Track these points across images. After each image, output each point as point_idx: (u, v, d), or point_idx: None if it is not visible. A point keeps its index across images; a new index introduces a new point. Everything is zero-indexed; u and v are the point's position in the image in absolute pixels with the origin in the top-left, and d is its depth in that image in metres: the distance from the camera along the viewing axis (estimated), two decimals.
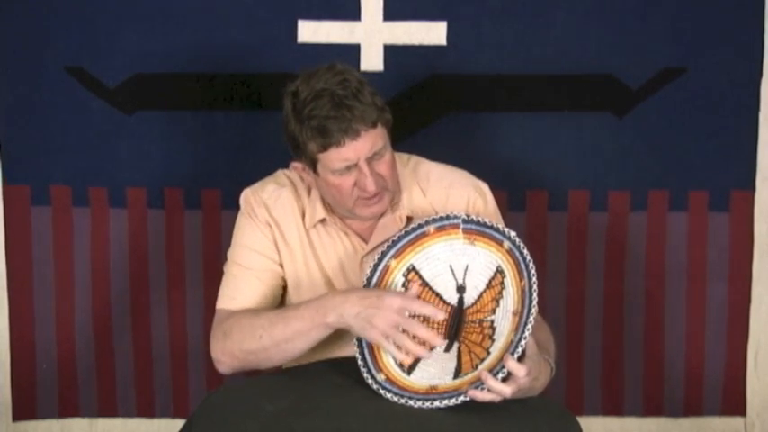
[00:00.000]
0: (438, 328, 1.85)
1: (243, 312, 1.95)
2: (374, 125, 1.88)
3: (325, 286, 2.02)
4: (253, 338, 1.90)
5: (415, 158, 2.09)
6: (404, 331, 1.79)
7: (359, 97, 1.86)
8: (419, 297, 1.86)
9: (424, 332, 1.79)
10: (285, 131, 1.93)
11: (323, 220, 2.01)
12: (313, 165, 1.92)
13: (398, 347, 1.80)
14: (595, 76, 2.50)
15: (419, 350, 1.79)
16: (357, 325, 1.81)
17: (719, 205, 2.54)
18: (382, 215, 2.00)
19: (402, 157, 2.06)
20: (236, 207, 2.07)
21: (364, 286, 1.88)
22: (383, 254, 1.89)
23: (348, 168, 1.89)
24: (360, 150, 1.87)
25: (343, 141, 1.86)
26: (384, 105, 1.91)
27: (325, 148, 1.87)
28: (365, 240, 2.02)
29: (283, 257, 2.03)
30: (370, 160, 1.89)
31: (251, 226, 2.03)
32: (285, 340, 1.87)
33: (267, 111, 2.49)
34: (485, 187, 2.08)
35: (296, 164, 1.98)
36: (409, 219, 2.00)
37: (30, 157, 2.52)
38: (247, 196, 2.05)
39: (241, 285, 2.00)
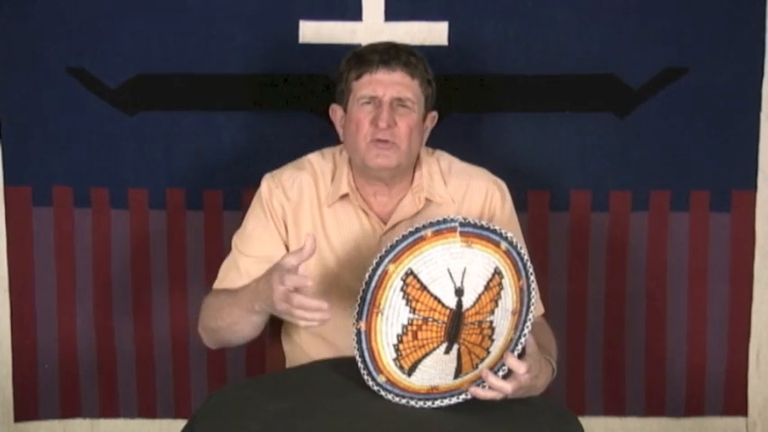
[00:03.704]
0: (437, 331, 1.86)
1: (216, 292, 2.04)
2: (412, 76, 1.97)
3: (335, 264, 2.04)
4: (212, 318, 2.01)
5: (439, 152, 2.15)
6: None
7: (413, 51, 1.98)
8: (418, 301, 1.88)
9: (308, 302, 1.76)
10: (336, 78, 2.04)
11: (345, 196, 2.04)
12: (346, 102, 2.00)
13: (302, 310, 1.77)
14: (597, 76, 2.50)
15: (315, 315, 1.76)
16: (277, 309, 1.80)
17: (721, 205, 2.54)
18: (402, 198, 2.05)
19: (427, 149, 2.13)
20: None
21: (363, 290, 1.88)
22: (381, 258, 1.89)
23: (372, 100, 1.97)
24: (388, 84, 1.96)
25: (376, 68, 1.96)
26: (432, 80, 2.02)
27: (359, 76, 1.98)
28: (384, 221, 2.05)
29: (290, 238, 2.06)
30: (393, 104, 1.97)
31: (260, 213, 2.06)
32: (233, 323, 1.96)
33: (269, 111, 2.50)
34: (503, 185, 2.14)
35: (334, 106, 2.06)
36: (428, 201, 2.06)
37: (31, 157, 2.52)
38: (266, 179, 2.09)
39: (233, 269, 2.05)
